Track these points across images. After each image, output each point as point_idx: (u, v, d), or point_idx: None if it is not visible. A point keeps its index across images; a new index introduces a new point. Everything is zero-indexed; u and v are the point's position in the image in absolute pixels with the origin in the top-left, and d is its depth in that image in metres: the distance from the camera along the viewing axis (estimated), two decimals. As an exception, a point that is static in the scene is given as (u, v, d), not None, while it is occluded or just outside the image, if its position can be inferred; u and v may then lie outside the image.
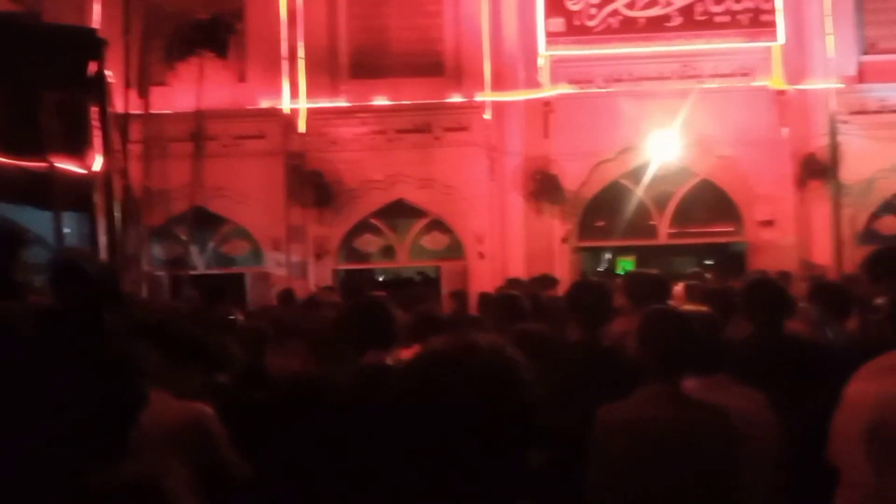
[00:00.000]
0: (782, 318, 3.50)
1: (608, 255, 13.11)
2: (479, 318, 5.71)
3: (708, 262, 12.41)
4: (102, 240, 5.28)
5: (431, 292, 11.14)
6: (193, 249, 11.86)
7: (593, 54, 11.63)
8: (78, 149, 4.81)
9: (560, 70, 11.73)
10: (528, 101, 11.66)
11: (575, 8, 11.65)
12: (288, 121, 11.81)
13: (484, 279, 11.09)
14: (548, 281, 7.67)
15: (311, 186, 11.59)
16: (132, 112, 10.22)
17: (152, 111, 11.10)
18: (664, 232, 11.95)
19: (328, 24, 11.92)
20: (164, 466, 1.63)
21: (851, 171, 11.31)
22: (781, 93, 11.43)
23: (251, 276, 12.10)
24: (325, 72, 11.87)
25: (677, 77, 11.58)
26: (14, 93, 4.53)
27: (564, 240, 11.66)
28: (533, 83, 11.68)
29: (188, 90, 11.18)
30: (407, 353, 4.01)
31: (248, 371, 3.89)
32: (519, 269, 10.96)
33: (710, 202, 11.84)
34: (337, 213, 11.83)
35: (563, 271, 11.24)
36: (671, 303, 4.20)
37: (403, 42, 12.03)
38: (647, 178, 11.50)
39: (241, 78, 12.01)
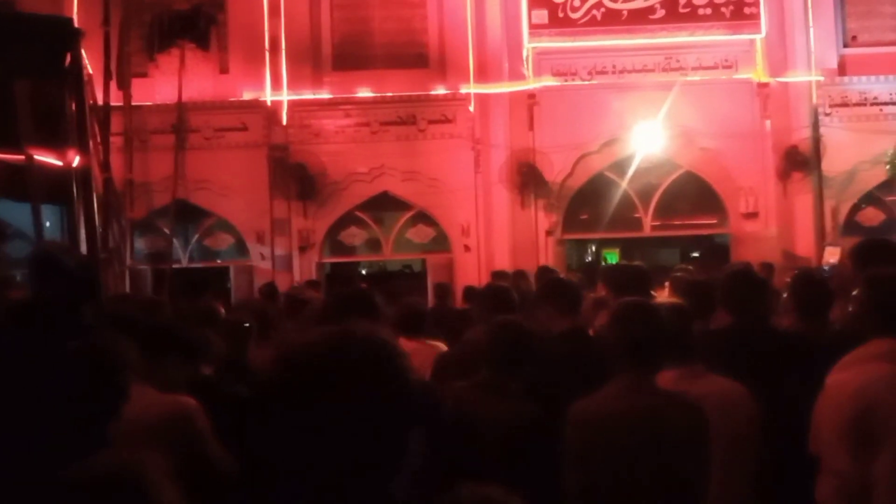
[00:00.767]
0: (761, 310, 3.51)
1: (593, 248, 13.15)
2: (464, 311, 5.71)
3: (694, 255, 12.49)
4: (82, 233, 5.21)
5: (417, 285, 11.15)
6: (176, 243, 11.76)
7: (577, 46, 11.63)
8: (56, 141, 4.74)
9: (544, 62, 11.72)
10: (512, 94, 11.65)
11: (559, 0, 11.64)
12: (271, 113, 11.72)
13: (469, 272, 11.10)
14: (524, 275, 7.66)
15: (295, 179, 11.52)
16: (113, 104, 10.10)
17: (133, 103, 11.00)
18: (648, 224, 12.00)
19: (311, 15, 11.83)
20: (143, 458, 1.61)
21: (833, 163, 11.41)
22: (764, 85, 11.50)
23: (235, 270, 12.03)
24: (307, 63, 11.79)
25: (661, 69, 11.61)
26: (-12, 84, 4.47)
27: (549, 232, 11.68)
28: (517, 75, 11.67)
29: (169, 82, 11.08)
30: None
31: (230, 365, 3.86)
32: (504, 262, 10.97)
33: (693, 194, 11.90)
34: (321, 206, 11.77)
35: (549, 263, 11.26)
36: (655, 295, 4.21)
37: (387, 33, 11.97)
38: (631, 170, 11.54)
39: (223, 69, 11.90)
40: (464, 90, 11.67)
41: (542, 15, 11.64)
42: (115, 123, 10.33)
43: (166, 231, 11.42)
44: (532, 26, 11.62)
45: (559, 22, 11.62)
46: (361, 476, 1.22)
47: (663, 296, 4.61)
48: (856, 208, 11.68)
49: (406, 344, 4.13)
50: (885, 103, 11.49)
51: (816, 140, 11.45)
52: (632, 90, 11.46)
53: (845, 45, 11.84)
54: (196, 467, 2.79)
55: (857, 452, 2.25)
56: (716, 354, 2.99)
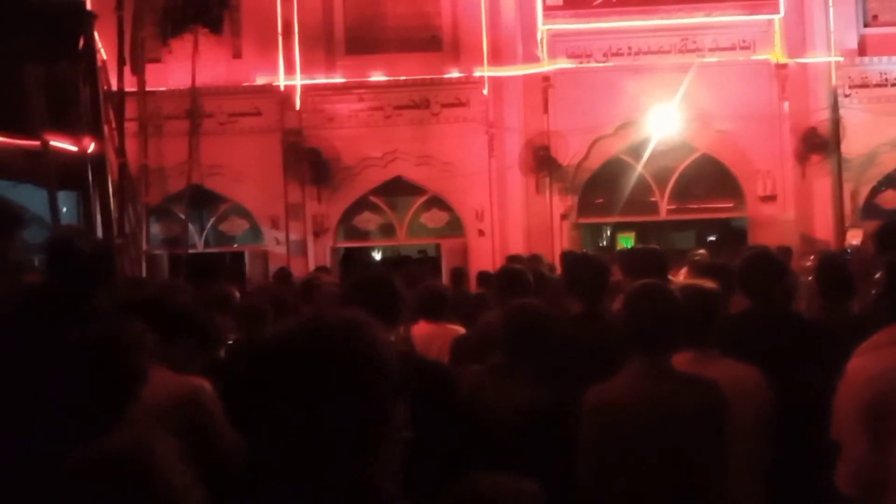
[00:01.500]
0: (779, 294, 3.47)
1: (608, 232, 13.07)
2: (480, 295, 5.69)
3: (711, 239, 12.38)
4: (98, 218, 5.24)
5: (431, 270, 11.14)
6: (192, 228, 11.82)
7: (592, 28, 11.50)
8: (71, 126, 4.75)
9: (559, 44, 11.60)
10: (526, 77, 11.55)
11: (574, -19, 11.50)
12: (284, 97, 11.71)
13: (484, 256, 11.07)
14: (539, 259, 7.63)
15: (309, 164, 11.52)
16: (127, 89, 10.12)
17: (147, 88, 11.02)
18: (664, 208, 11.90)
19: (323, -1, 11.77)
20: (152, 440, 1.61)
21: (852, 145, 11.24)
22: (782, 66, 11.32)
23: (250, 255, 12.08)
24: (321, 48, 11.74)
25: (677, 51, 11.46)
26: (2, 69, 4.47)
27: (564, 216, 11.62)
28: (531, 58, 11.57)
29: (183, 67, 11.07)
30: (416, 329, 3.99)
31: (245, 349, 3.87)
32: (519, 246, 10.93)
33: (710, 177, 11.78)
34: (335, 191, 11.77)
35: (564, 247, 11.21)
36: (672, 279, 4.17)
37: (400, 17, 11.88)
38: (646, 153, 11.43)
39: (237, 54, 11.88)
40: (477, 73, 11.59)
41: (556, -4, 11.51)
42: (130, 109, 10.37)
43: (181, 216, 11.47)
44: (546, 8, 11.50)
45: (574, 3, 11.49)
46: (343, 461, 1.23)
47: (680, 279, 4.57)
48: (875, 191, 11.52)
49: (426, 327, 4.14)
50: (907, 84, 11.30)
51: (836, 122, 11.29)
52: (647, 72, 11.33)
53: (866, 25, 11.62)
54: (205, 449, 2.81)
55: (873, 440, 2.23)
56: (733, 339, 2.96)
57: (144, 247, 10.87)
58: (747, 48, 11.46)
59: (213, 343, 3.29)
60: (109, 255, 4.36)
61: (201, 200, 11.76)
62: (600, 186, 11.92)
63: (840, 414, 2.40)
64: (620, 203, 11.76)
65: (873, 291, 2.54)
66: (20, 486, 2.14)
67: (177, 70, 11.24)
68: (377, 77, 11.70)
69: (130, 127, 10.43)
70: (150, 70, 11.00)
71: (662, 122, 11.26)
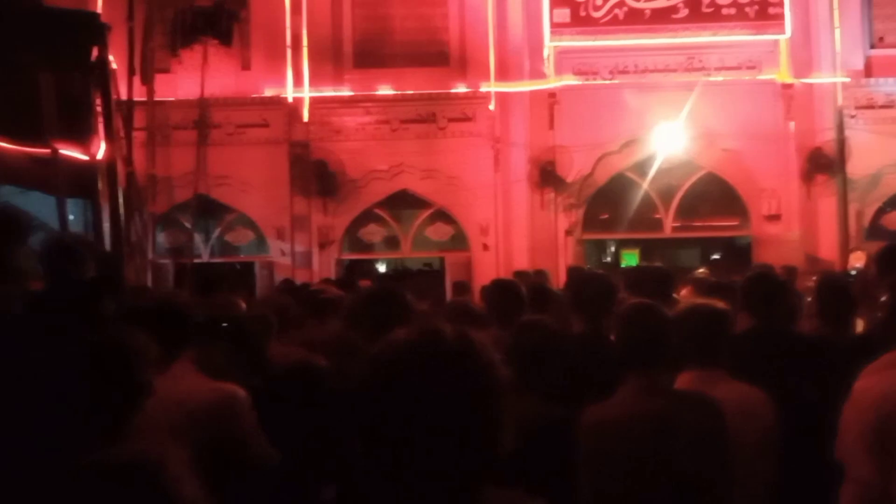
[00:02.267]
0: (782, 313, 3.47)
1: (612, 248, 13.08)
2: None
3: (715, 257, 12.38)
4: (106, 226, 5.27)
5: (435, 283, 11.16)
6: (198, 237, 11.86)
7: (599, 45, 11.56)
8: (81, 134, 4.80)
9: (565, 61, 11.67)
10: (532, 92, 11.61)
11: (581, -2, 11.59)
12: (292, 109, 11.78)
13: (488, 271, 11.07)
14: (544, 274, 7.63)
15: (315, 176, 11.56)
16: (136, 99, 10.19)
17: (156, 98, 11.08)
18: (669, 225, 11.91)
19: (332, 13, 11.87)
20: (161, 451, 1.62)
21: (858, 165, 11.26)
22: (788, 86, 11.37)
23: (259, 266, 12.10)
24: (329, 61, 11.82)
25: (683, 69, 11.52)
26: (16, 77, 4.52)
27: (569, 232, 11.63)
28: (538, 74, 11.63)
29: (192, 78, 11.15)
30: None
31: (249, 359, 3.88)
32: (523, 261, 10.94)
33: (715, 196, 11.80)
34: (341, 203, 11.81)
35: (568, 263, 11.21)
36: (679, 298, 4.17)
37: (408, 31, 11.97)
38: (652, 170, 11.46)
39: (245, 66, 11.97)
40: (484, 88, 11.65)
41: (563, 13, 11.59)
42: (138, 118, 10.42)
43: (187, 226, 11.51)
44: (554, 25, 11.57)
45: (581, 21, 11.56)
46: (449, 478, 1.24)
47: (683, 298, 4.58)
48: (881, 212, 11.52)
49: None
50: (912, 106, 11.33)
51: (841, 142, 11.31)
52: (653, 90, 11.38)
53: (872, 47, 11.67)
54: (236, 455, 2.82)
55: (879, 462, 2.22)
56: (736, 357, 2.96)
57: (150, 256, 10.90)
58: (753, 68, 11.51)
59: (247, 344, 3.30)
60: (115, 262, 4.39)
61: (208, 210, 11.80)
62: (605, 203, 11.94)
63: (845, 434, 2.39)
64: (625, 219, 11.78)
65: (878, 314, 2.54)
66: (27, 492, 2.15)
67: (186, 81, 11.32)
68: (384, 91, 11.76)
69: (139, 136, 10.48)
70: (160, 80, 11.06)
71: (668, 139, 11.30)
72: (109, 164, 4.96)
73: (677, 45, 11.48)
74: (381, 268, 12.99)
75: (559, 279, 9.33)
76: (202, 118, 11.32)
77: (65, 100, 4.48)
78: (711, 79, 11.36)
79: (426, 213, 12.09)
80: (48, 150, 4.70)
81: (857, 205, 11.38)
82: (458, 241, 12.02)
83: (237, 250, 12.46)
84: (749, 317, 3.46)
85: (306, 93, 11.77)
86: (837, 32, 11.38)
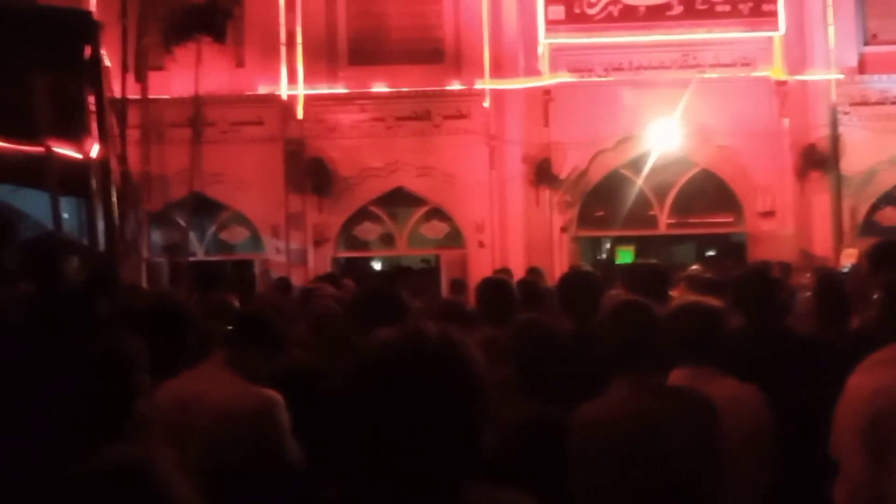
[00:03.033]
0: (773, 310, 3.48)
1: (608, 245, 13.10)
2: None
3: (710, 253, 12.41)
4: (100, 225, 5.26)
5: (431, 281, 11.15)
6: (192, 236, 11.83)
7: (593, 42, 11.56)
8: (75, 133, 4.78)
9: (560, 58, 11.67)
10: (527, 90, 11.61)
11: (576, -5, 11.58)
12: (286, 107, 11.75)
13: (484, 268, 11.07)
14: (539, 272, 7.58)
15: (310, 173, 11.55)
16: (130, 97, 10.16)
17: (150, 96, 11.05)
18: (664, 222, 11.94)
19: (327, 10, 11.84)
20: (152, 452, 1.62)
21: (852, 162, 11.29)
22: (782, 83, 11.39)
23: (258, 263, 12.06)
24: (323, 58, 11.80)
25: (678, 66, 11.53)
26: (8, 76, 4.50)
27: (564, 229, 11.65)
28: (532, 71, 11.63)
29: (186, 75, 11.11)
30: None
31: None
32: (519, 258, 10.95)
33: (709, 192, 11.82)
34: (336, 201, 11.80)
35: (563, 260, 11.23)
36: (674, 295, 4.18)
37: (402, 29, 11.95)
38: (646, 167, 11.48)
39: (240, 63, 11.94)
40: (479, 86, 11.64)
41: (558, 11, 11.59)
42: (132, 116, 10.40)
43: (182, 224, 11.48)
44: (548, 22, 11.57)
45: (575, 18, 11.56)
46: (430, 476, 1.26)
47: (676, 294, 4.58)
48: (874, 208, 11.56)
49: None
50: (906, 102, 11.36)
51: (835, 139, 11.34)
52: (648, 87, 11.39)
53: (865, 44, 11.70)
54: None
55: (872, 458, 2.23)
56: (728, 355, 2.97)
57: (145, 254, 10.87)
58: (748, 65, 11.53)
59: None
60: (108, 262, 4.37)
61: (202, 208, 11.78)
62: (600, 200, 11.96)
63: (839, 431, 2.40)
64: (620, 217, 11.79)
65: (872, 312, 2.55)
66: (21, 496, 2.15)
67: (180, 78, 11.28)
68: (379, 88, 11.75)
69: (133, 134, 10.45)
70: (153, 78, 11.04)
71: (662, 136, 11.32)
72: (103, 162, 4.95)
73: (672, 42, 11.49)
74: (377, 265, 12.98)
75: (555, 276, 9.34)
76: (196, 116, 11.29)
77: (58, 98, 4.47)
78: (706, 76, 11.37)
79: (421, 211, 12.09)
80: (42, 149, 4.68)
81: (851, 201, 11.42)
82: (454, 238, 12.03)
83: (232, 248, 12.44)
84: (741, 314, 3.48)
85: (301, 90, 11.75)
86: (831, 29, 11.41)
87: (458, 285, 8.15)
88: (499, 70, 11.63)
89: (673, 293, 4.69)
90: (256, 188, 11.69)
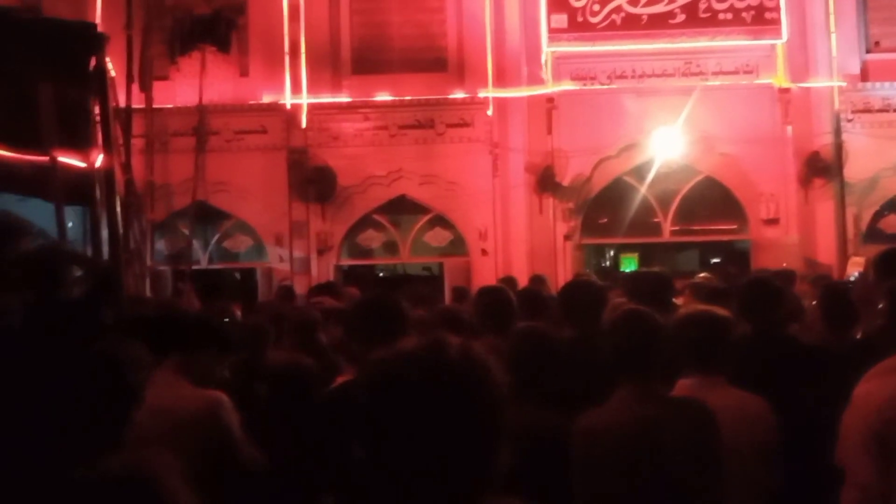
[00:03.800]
0: (778, 318, 3.47)
1: (611, 253, 13.09)
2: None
3: (715, 261, 12.40)
4: (104, 234, 5.27)
5: (434, 289, 11.15)
6: (196, 244, 11.85)
7: (596, 51, 11.59)
8: (80, 143, 4.81)
9: (563, 66, 11.69)
10: (530, 98, 11.63)
11: (578, 4, 11.61)
12: (290, 116, 11.79)
13: (487, 276, 11.08)
14: (543, 280, 7.58)
15: (314, 182, 11.57)
16: (134, 106, 10.20)
17: (154, 105, 11.10)
18: (667, 229, 11.93)
19: (330, 20, 11.89)
20: (155, 459, 1.62)
21: (855, 169, 11.28)
22: (785, 91, 11.40)
23: (261, 272, 12.08)
24: (327, 67, 11.84)
25: (680, 74, 11.55)
26: (15, 87, 4.53)
27: (567, 237, 11.65)
28: (536, 79, 11.65)
29: (190, 85, 11.18)
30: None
31: (247, 366, 3.88)
32: (522, 266, 10.95)
33: (713, 200, 11.82)
34: (339, 209, 11.82)
35: (566, 268, 11.23)
36: (677, 303, 4.17)
37: (406, 38, 12.00)
38: (650, 175, 11.48)
39: (243, 73, 11.99)
40: (482, 94, 11.67)
41: (561, 19, 11.62)
42: (137, 126, 10.44)
43: (186, 232, 11.51)
44: (551, 30, 11.60)
45: (578, 26, 11.60)
46: (450, 488, 1.24)
47: (680, 302, 4.58)
48: (878, 215, 11.54)
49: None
50: (909, 109, 11.36)
51: (838, 146, 11.34)
52: (651, 95, 11.41)
53: (868, 51, 11.71)
54: (224, 461, 2.82)
55: (880, 466, 2.22)
56: (734, 363, 2.96)
57: (149, 263, 10.89)
58: (750, 72, 11.54)
59: (231, 348, 3.31)
60: (112, 272, 4.39)
61: (206, 217, 11.81)
62: (604, 207, 11.96)
63: (846, 439, 2.39)
64: (624, 224, 11.79)
65: (878, 320, 2.55)
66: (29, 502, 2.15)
67: (184, 88, 11.34)
68: (382, 97, 11.79)
69: (137, 143, 10.49)
70: (158, 87, 11.09)
71: (666, 144, 11.32)
72: (108, 171, 4.97)
73: (675, 50, 11.51)
74: (379, 273, 12.98)
75: (558, 285, 9.33)
76: (200, 125, 11.33)
77: (64, 108, 4.50)
78: (709, 83, 11.39)
79: (425, 219, 12.10)
80: (47, 158, 4.71)
81: (854, 208, 11.41)
82: (457, 246, 12.03)
83: (236, 257, 12.46)
84: (746, 322, 3.47)
85: (304, 99, 11.79)
86: (834, 37, 11.42)
87: (460, 293, 8.14)
88: (502, 78, 11.66)
89: (678, 301, 4.69)
90: (260, 197, 11.72)
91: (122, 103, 9.62)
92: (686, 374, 2.74)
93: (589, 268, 12.13)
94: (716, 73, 11.50)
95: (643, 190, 11.68)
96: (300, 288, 9.87)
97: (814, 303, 4.16)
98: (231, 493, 2.82)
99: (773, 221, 11.46)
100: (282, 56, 11.74)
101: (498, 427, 1.27)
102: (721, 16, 11.49)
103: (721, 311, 2.94)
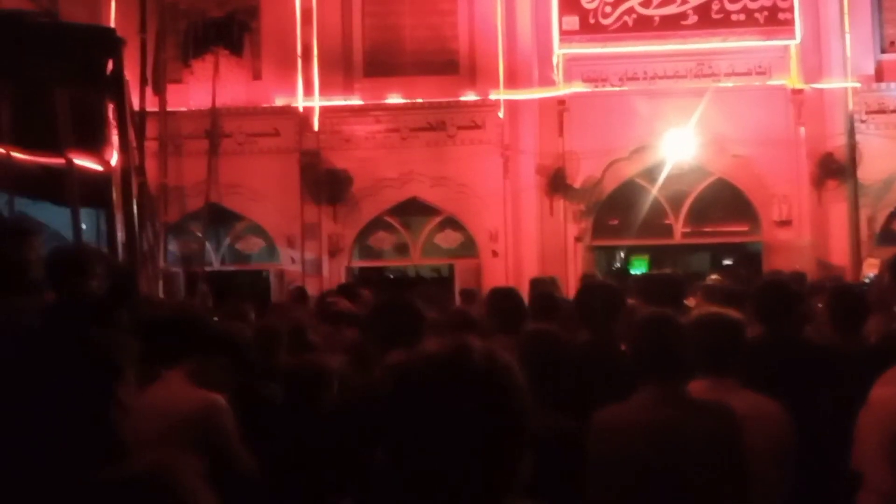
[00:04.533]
0: (792, 320, 3.47)
1: (622, 255, 13.06)
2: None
3: (727, 262, 12.34)
4: (120, 236, 5.32)
5: (444, 290, 11.16)
6: (209, 246, 11.92)
7: (608, 52, 11.58)
8: (96, 146, 4.86)
9: (574, 68, 11.68)
10: (542, 100, 11.63)
11: (590, 6, 11.60)
12: (302, 119, 11.84)
13: (497, 277, 11.08)
14: (555, 282, 7.53)
15: (326, 184, 11.62)
16: (148, 109, 10.27)
17: (168, 109, 11.18)
18: (679, 231, 11.89)
19: (342, 23, 11.94)
20: (176, 460, 1.63)
21: (869, 170, 11.21)
22: (798, 92, 11.34)
23: (273, 274, 12.13)
24: (339, 70, 11.89)
25: (693, 76, 11.51)
26: (33, 91, 4.59)
27: (578, 238, 11.63)
28: (547, 81, 11.65)
29: (203, 88, 11.25)
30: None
31: (262, 369, 3.90)
32: (533, 268, 10.95)
33: (725, 201, 11.77)
34: (351, 211, 11.86)
35: (577, 270, 11.21)
36: (690, 305, 4.17)
37: (417, 40, 12.03)
38: (661, 176, 11.45)
39: (256, 76, 12.06)
40: (493, 96, 11.68)
41: (572, 21, 11.61)
42: (151, 128, 10.51)
43: (199, 234, 11.57)
44: (563, 32, 11.60)
45: (590, 28, 11.59)
46: (471, 492, 1.24)
47: (692, 304, 4.57)
48: (892, 217, 11.45)
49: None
50: (924, 110, 11.28)
51: (852, 147, 11.26)
52: (663, 96, 11.38)
53: (882, 51, 11.63)
54: (217, 464, 2.83)
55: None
56: (747, 365, 2.96)
57: (162, 264, 10.96)
58: (763, 73, 11.49)
59: (246, 363, 3.33)
60: (129, 274, 4.43)
61: (219, 219, 11.87)
62: (615, 209, 11.93)
63: (863, 443, 2.39)
64: (635, 226, 11.76)
65: (894, 324, 2.54)
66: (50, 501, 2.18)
67: (197, 91, 11.41)
68: (394, 99, 11.82)
69: (151, 146, 10.56)
70: (172, 90, 11.17)
71: (678, 145, 11.29)
72: (124, 174, 5.01)
73: (687, 51, 11.47)
74: (390, 276, 13.00)
75: (569, 286, 9.33)
76: (213, 128, 11.40)
77: (80, 112, 4.54)
78: (721, 85, 11.35)
79: (436, 221, 12.11)
80: (64, 161, 4.75)
81: (868, 210, 11.33)
82: (468, 248, 12.04)
83: (248, 258, 12.52)
84: (760, 324, 3.47)
85: (317, 102, 11.84)
86: (848, 37, 11.35)
87: (469, 295, 8.15)
88: (513, 80, 11.66)
89: (689, 303, 4.69)
90: (272, 199, 11.78)
91: (136, 106, 9.69)
92: (699, 377, 2.74)
93: (600, 270, 12.11)
94: (728, 75, 11.46)
95: (654, 192, 11.65)
96: (312, 290, 9.90)
97: (819, 305, 4.15)
98: (227, 498, 2.83)
99: (785, 223, 11.40)
100: (294, 59, 11.80)
101: (522, 431, 1.27)
102: (734, 16, 11.45)
103: (734, 314, 2.94)
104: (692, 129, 11.17)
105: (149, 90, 10.35)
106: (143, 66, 10.07)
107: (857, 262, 10.91)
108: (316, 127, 11.82)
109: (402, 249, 12.37)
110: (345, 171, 11.69)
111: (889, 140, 11.24)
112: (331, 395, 3.40)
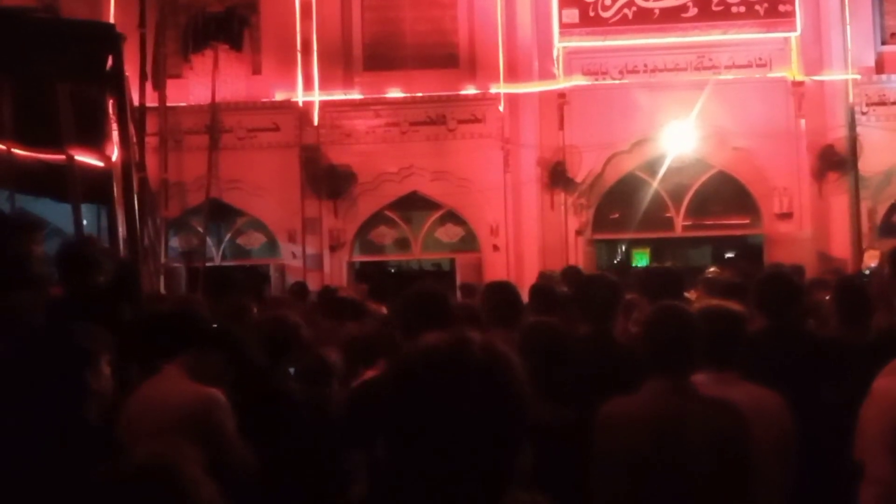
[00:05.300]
0: (794, 313, 3.47)
1: (623, 248, 13.06)
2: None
3: (729, 255, 12.34)
4: (121, 232, 5.32)
5: (445, 284, 11.16)
6: (210, 241, 11.92)
7: (608, 45, 11.56)
8: (96, 141, 4.85)
9: (574, 61, 11.67)
10: (542, 93, 11.62)
11: (590, -1, 11.58)
12: (302, 113, 11.83)
13: (498, 271, 11.09)
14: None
15: (326, 178, 11.62)
16: (148, 104, 10.26)
17: (168, 104, 11.16)
18: (679, 224, 11.89)
19: (342, 17, 11.92)
20: (178, 452, 1.64)
21: (870, 162, 11.20)
22: (799, 84, 11.32)
23: (273, 268, 12.14)
24: (339, 64, 11.88)
25: (693, 68, 11.50)
26: (33, 87, 4.58)
27: (579, 232, 11.63)
28: (547, 75, 11.64)
29: (203, 83, 11.23)
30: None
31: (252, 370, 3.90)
32: (533, 262, 10.95)
33: (726, 194, 11.77)
34: (351, 206, 11.86)
35: (578, 263, 11.20)
36: (691, 297, 4.17)
37: (417, 34, 12.01)
38: (662, 170, 11.44)
39: (256, 70, 12.04)
40: (494, 90, 11.66)
41: (572, 14, 11.59)
42: (150, 124, 10.48)
43: (200, 230, 11.58)
44: (563, 25, 11.58)
45: (590, 21, 11.56)
46: (471, 484, 1.24)
47: (694, 298, 4.58)
48: (893, 209, 11.45)
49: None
50: (925, 102, 11.26)
51: (853, 140, 11.25)
52: (663, 89, 11.36)
53: (883, 43, 11.61)
54: (215, 458, 2.84)
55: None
56: (750, 357, 2.97)
57: (163, 259, 10.97)
58: (764, 65, 11.48)
59: (243, 360, 3.33)
60: (132, 269, 4.43)
61: (219, 214, 11.87)
62: (615, 202, 11.93)
63: (865, 434, 2.40)
64: (636, 219, 11.75)
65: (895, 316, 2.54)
66: (52, 495, 2.19)
67: (197, 86, 11.40)
68: (394, 93, 11.80)
69: (151, 141, 10.54)
70: (171, 86, 11.15)
71: (678, 138, 11.28)
72: (125, 169, 5.02)
73: (687, 43, 11.45)
74: (391, 270, 13.01)
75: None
76: (214, 123, 11.38)
77: (80, 108, 4.54)
78: (722, 77, 11.33)
79: (436, 215, 12.12)
80: (64, 157, 4.75)
81: (869, 202, 11.32)
82: (469, 242, 12.05)
83: (249, 253, 12.53)
84: (763, 317, 3.47)
85: (317, 96, 11.82)
86: (848, 29, 11.32)
87: (468, 289, 8.15)
88: (513, 74, 11.64)
89: (690, 295, 4.69)
90: (273, 194, 11.77)
91: (136, 101, 9.68)
92: (701, 370, 2.74)
93: (600, 263, 12.12)
94: (728, 67, 11.44)
95: (655, 185, 11.65)
96: (313, 284, 9.91)
97: (827, 297, 4.15)
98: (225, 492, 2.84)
99: (786, 216, 11.40)
100: (294, 53, 11.78)
101: (521, 423, 1.28)
102: (734, 9, 11.43)
103: (735, 306, 2.94)
104: (693, 121, 11.15)
105: (149, 85, 10.33)
106: (143, 61, 10.04)
107: (858, 255, 10.91)
108: (316, 121, 11.81)
109: (402, 244, 12.38)
110: (345, 165, 11.68)
111: (890, 132, 11.22)
112: (329, 392, 3.41)
